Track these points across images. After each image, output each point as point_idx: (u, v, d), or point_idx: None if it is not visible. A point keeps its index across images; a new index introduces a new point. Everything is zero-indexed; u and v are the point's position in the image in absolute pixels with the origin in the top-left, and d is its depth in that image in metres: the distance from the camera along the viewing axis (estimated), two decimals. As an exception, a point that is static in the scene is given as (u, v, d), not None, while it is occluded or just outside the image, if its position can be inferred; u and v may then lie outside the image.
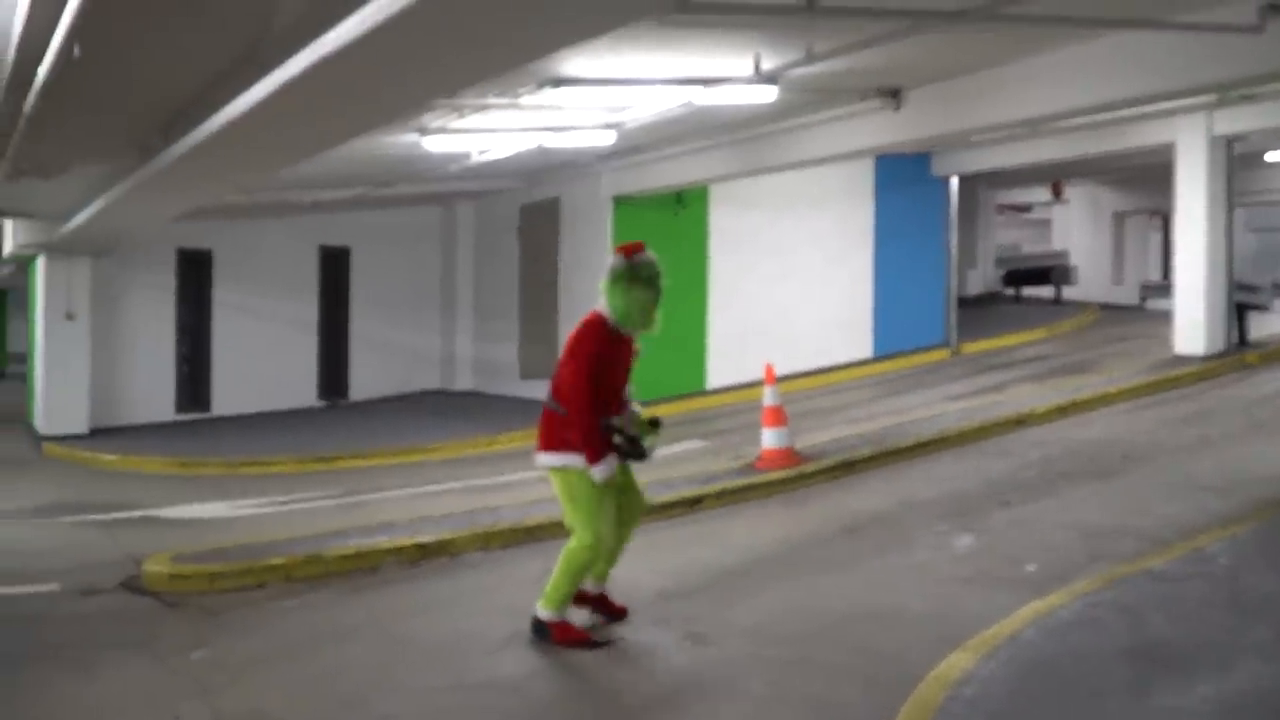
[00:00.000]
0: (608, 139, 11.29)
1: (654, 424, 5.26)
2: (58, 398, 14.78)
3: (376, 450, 12.76)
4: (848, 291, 16.67)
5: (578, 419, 5.00)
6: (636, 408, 5.34)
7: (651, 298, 5.04)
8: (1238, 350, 13.76)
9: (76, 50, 5.86)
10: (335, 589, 6.74)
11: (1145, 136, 13.89)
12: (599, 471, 4.97)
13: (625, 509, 5.33)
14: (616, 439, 5.15)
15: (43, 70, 6.44)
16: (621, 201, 14.58)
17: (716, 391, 14.98)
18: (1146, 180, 21.20)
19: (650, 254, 5.15)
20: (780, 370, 9.81)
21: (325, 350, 17.33)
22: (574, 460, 5.07)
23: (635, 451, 5.22)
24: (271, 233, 16.52)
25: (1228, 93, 10.99)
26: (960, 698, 4.09)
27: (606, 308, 5.14)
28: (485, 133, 10.85)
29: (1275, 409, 10.63)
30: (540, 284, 16.10)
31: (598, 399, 5.04)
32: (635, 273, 5.05)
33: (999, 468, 9.04)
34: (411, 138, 10.42)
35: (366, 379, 17.52)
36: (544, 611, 5.24)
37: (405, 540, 7.39)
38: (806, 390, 14.50)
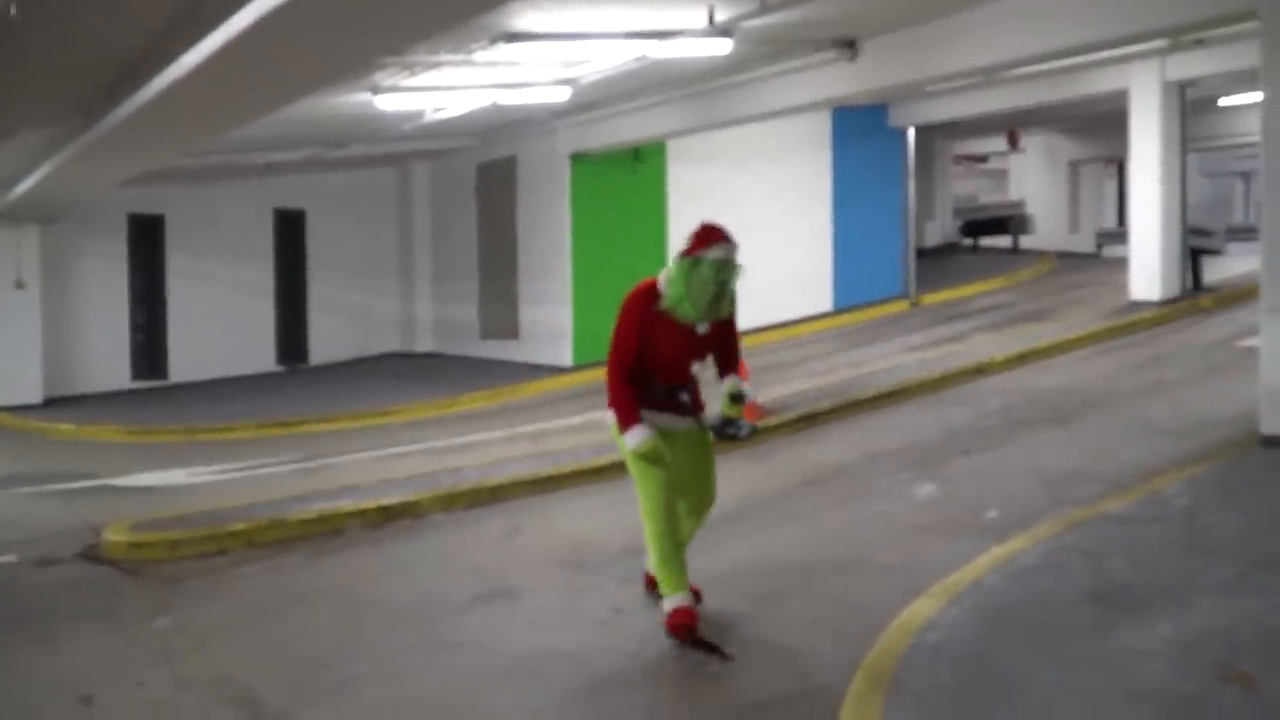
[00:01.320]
0: (563, 95, 11.17)
1: (735, 398, 4.92)
2: (10, 367, 14.48)
3: (337, 414, 12.65)
4: (807, 245, 16.68)
5: (608, 383, 4.76)
6: (738, 385, 4.96)
7: (712, 292, 4.69)
8: (1192, 295, 13.94)
9: (13, 9, 5.68)
10: (299, 553, 6.70)
11: (1100, 83, 13.95)
12: (630, 439, 4.64)
13: (689, 498, 4.95)
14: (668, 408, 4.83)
15: (-22, 30, 6.24)
16: (579, 158, 14.45)
17: (678, 347, 14.95)
18: (1101, 128, 21.31)
19: (723, 248, 4.77)
20: (741, 324, 9.79)
21: (283, 314, 17.10)
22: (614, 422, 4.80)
23: (725, 432, 5.05)
24: (225, 196, 16.23)
25: (1180, 38, 11.05)
26: (924, 644, 4.13)
27: (664, 281, 4.79)
28: (439, 90, 10.69)
29: (1229, 352, 10.79)
30: (499, 243, 15.97)
31: (632, 367, 4.72)
32: (698, 267, 4.70)
33: (959, 417, 9.12)
34: (364, 97, 10.24)
35: (326, 343, 17.33)
36: (663, 601, 4.76)
37: (369, 503, 7.35)
38: (767, 344, 14.53)
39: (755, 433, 5.07)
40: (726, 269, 4.74)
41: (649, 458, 4.65)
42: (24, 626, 5.59)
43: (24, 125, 9.91)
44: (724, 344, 5.02)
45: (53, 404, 14.36)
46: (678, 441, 4.86)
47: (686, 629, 4.60)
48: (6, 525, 7.93)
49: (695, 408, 4.98)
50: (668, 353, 4.81)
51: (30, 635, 5.44)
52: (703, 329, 4.82)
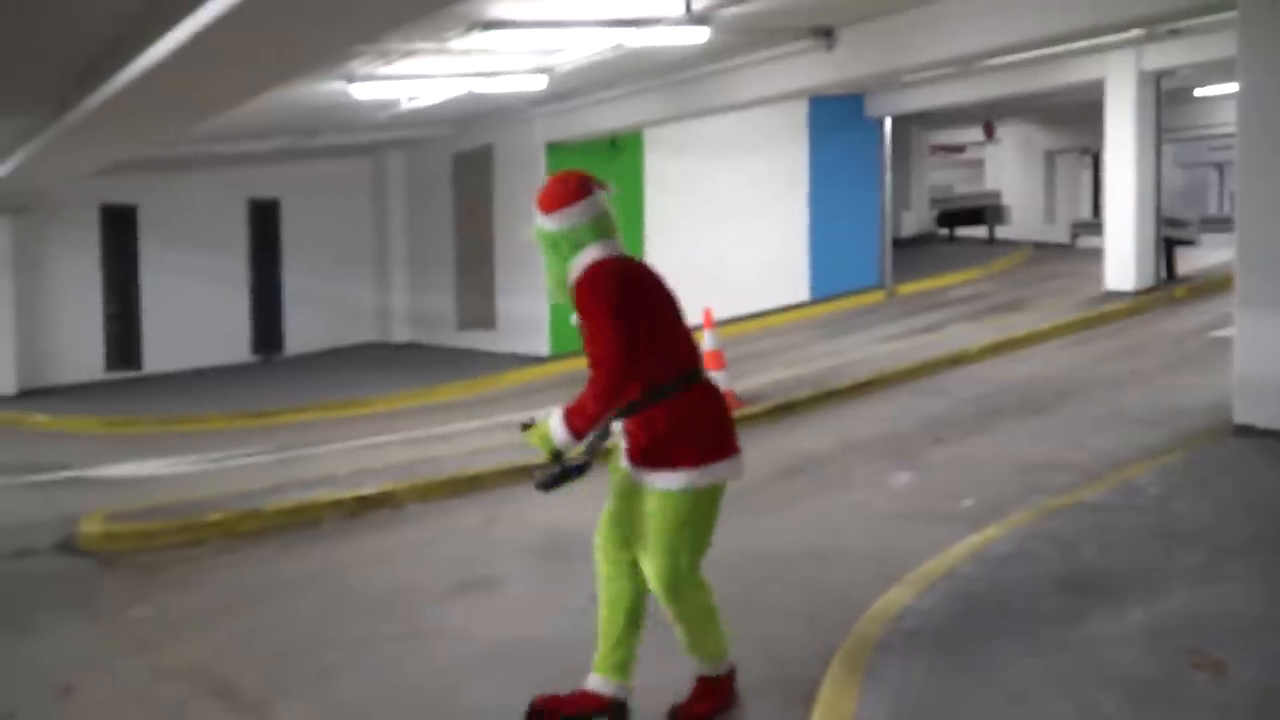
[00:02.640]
0: (539, 84, 11.14)
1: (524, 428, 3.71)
2: (-18, 359, 14.37)
3: (313, 404, 12.60)
4: (783, 235, 16.72)
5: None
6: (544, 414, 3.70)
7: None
8: (1166, 285, 14.06)
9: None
10: (275, 544, 6.68)
11: (1076, 73, 14.03)
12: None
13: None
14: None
15: (-53, 18, 6.17)
16: (555, 147, 14.42)
17: (656, 337, 14.96)
18: (1077, 119, 21.46)
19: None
20: (718, 314, 9.82)
21: (257, 304, 17.00)
22: None
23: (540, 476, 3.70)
24: (198, 186, 16.09)
25: (1156, 28, 11.11)
26: (898, 631, 4.16)
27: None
28: (414, 79, 10.64)
29: (1202, 342, 10.89)
30: (475, 233, 15.92)
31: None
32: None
33: (935, 406, 9.17)
34: (339, 85, 10.18)
35: (301, 333, 17.24)
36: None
37: (345, 493, 7.33)
38: (744, 334, 14.56)
39: (552, 481, 3.60)
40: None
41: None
42: (1, 617, 5.56)
43: (-5, 113, 9.81)
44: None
45: (26, 395, 14.23)
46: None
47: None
48: (-21, 517, 7.87)
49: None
50: None
51: (8, 625, 5.41)
52: (575, 322, 3.67)
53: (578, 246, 3.66)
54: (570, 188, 3.72)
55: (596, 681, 3.81)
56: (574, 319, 3.67)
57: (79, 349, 15.38)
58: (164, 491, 8.19)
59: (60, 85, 8.46)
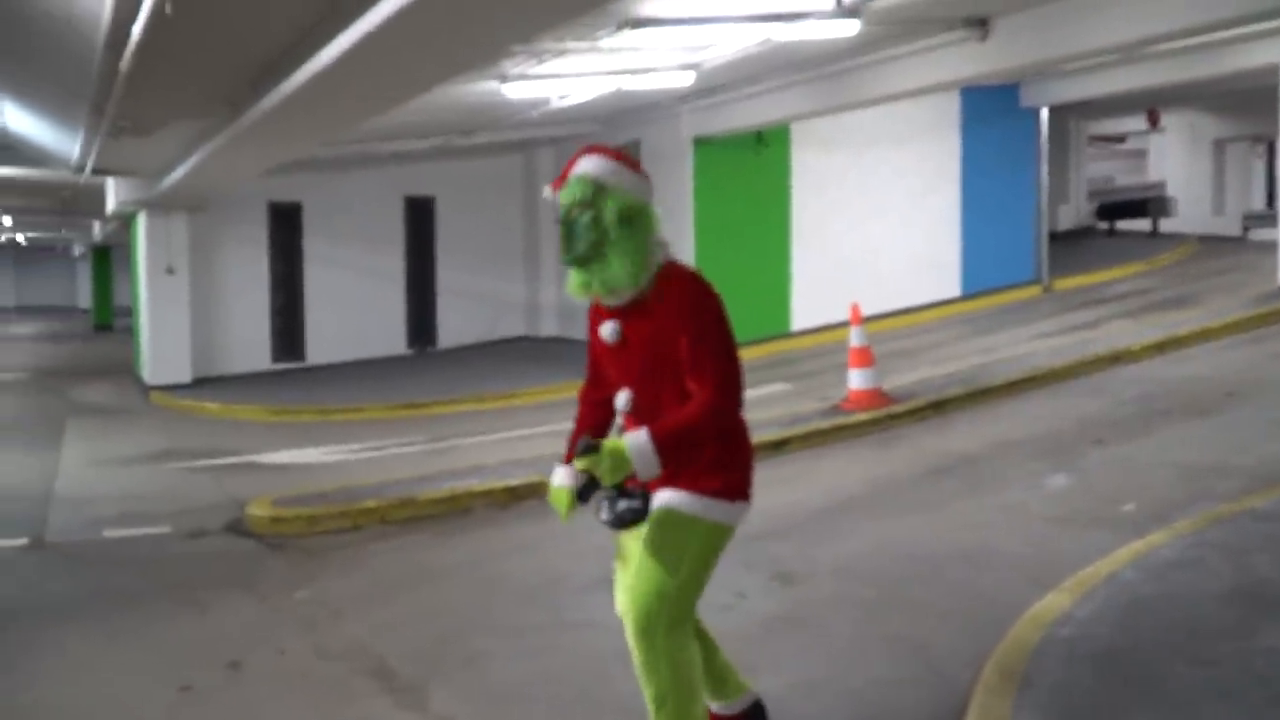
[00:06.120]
0: (687, 80, 11.18)
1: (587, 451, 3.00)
2: (162, 349, 15.29)
3: (465, 396, 12.96)
4: (934, 229, 16.36)
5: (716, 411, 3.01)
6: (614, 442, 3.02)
7: (561, 231, 3.13)
8: (1348, 281, 13.21)
9: (169, 7, 5.96)
10: (428, 531, 6.91)
11: (1248, 58, 13.27)
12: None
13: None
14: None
15: (137, 28, 6.58)
16: (702, 143, 14.44)
17: (801, 333, 14.87)
18: (1249, 105, 20.31)
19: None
20: (866, 310, 9.70)
21: (412, 299, 17.59)
22: None
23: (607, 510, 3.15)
24: (358, 184, 16.75)
25: (1340, 10, 10.44)
26: (1057, 638, 4.04)
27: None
28: (564, 77, 10.81)
29: (1388, 342, 10.20)
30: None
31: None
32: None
33: (1093, 406, 8.83)
34: (492, 85, 10.44)
35: (453, 327, 17.76)
36: None
37: (495, 483, 7.52)
38: (893, 330, 14.31)
39: (630, 518, 3.08)
40: (571, 190, 3.05)
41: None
42: (176, 593, 5.93)
43: (175, 117, 10.39)
44: (665, 364, 3.01)
45: (200, 384, 15.07)
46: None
47: None
48: (161, 498, 8.39)
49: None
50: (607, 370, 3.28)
51: (182, 601, 5.76)
52: (607, 331, 3.10)
53: (656, 233, 3.05)
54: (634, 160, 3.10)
55: (721, 708, 3.40)
56: (611, 329, 3.05)
57: (248, 340, 16.23)
58: (325, 478, 8.56)
59: (235, 89, 8.91)
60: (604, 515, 3.09)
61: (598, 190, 3.00)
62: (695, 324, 2.93)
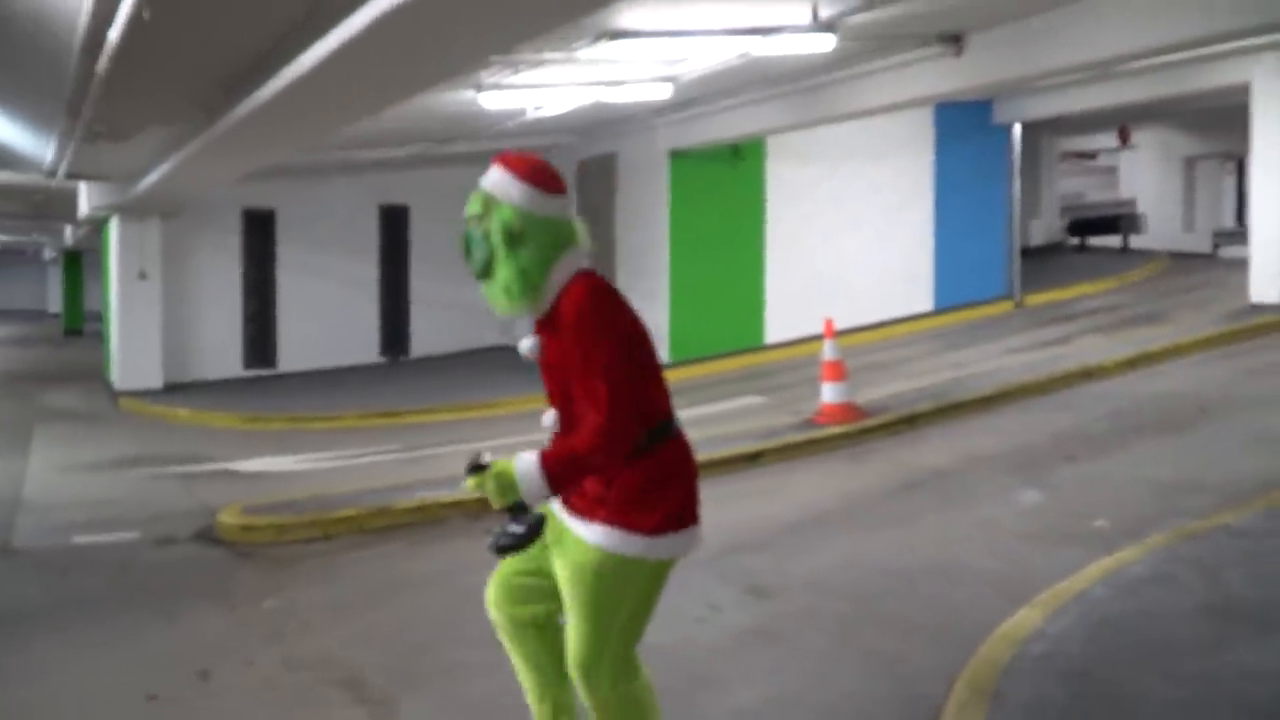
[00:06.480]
0: (664, 92, 11.19)
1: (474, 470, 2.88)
2: (132, 354, 15.15)
3: (439, 405, 12.90)
4: (907, 244, 16.44)
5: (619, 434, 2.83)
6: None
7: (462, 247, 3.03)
8: (1315, 299, 13.38)
9: (146, 13, 5.91)
10: (401, 540, 6.87)
11: (1220, 77, 13.44)
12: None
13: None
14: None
15: (114, 33, 6.52)
16: (678, 155, 14.46)
17: (775, 346, 14.90)
18: (1220, 123, 20.54)
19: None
20: (839, 324, 9.72)
21: (386, 307, 17.50)
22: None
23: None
24: (333, 192, 16.66)
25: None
26: (1028, 655, 4.06)
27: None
28: (541, 88, 10.81)
29: (1354, 360, 10.33)
30: (598, 240, 16.03)
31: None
32: None
33: (1065, 422, 8.90)
34: (468, 94, 10.41)
35: (427, 335, 17.67)
36: None
37: (468, 494, 7.46)
38: (866, 344, 14.36)
39: (509, 545, 2.85)
40: (470, 203, 2.99)
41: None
42: (145, 601, 5.87)
43: (151, 122, 10.31)
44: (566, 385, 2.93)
45: (171, 390, 14.93)
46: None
47: None
48: (130, 505, 8.31)
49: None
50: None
51: (150, 609, 5.70)
52: (527, 347, 3.04)
53: (561, 247, 2.88)
54: (554, 170, 2.94)
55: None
56: (528, 345, 2.98)
57: (220, 346, 16.10)
58: (297, 486, 8.49)
59: (211, 95, 8.85)
60: (488, 542, 2.87)
61: (487, 204, 2.92)
62: (584, 341, 2.77)
